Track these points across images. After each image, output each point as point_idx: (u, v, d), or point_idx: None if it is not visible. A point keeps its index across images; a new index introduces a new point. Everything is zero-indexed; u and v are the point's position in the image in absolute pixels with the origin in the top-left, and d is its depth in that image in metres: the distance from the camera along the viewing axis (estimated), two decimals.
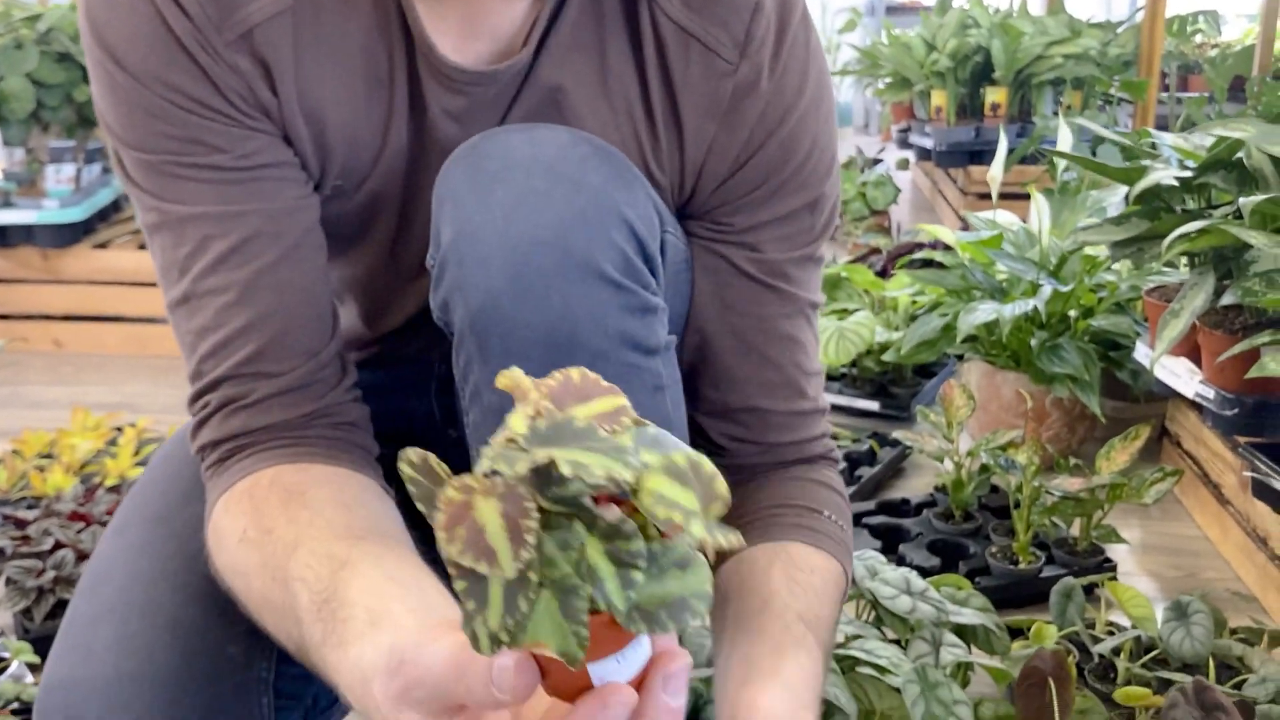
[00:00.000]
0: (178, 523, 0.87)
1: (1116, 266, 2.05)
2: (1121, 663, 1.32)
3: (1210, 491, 1.81)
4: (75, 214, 2.65)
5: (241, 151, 0.78)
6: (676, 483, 0.38)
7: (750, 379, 0.88)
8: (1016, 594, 1.59)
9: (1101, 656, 1.35)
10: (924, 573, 1.48)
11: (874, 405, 2.28)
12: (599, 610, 0.39)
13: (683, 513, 0.38)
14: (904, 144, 4.12)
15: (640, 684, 0.43)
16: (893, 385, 2.31)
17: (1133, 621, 1.37)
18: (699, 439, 0.92)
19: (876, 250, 3.09)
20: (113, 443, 2.00)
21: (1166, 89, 3.87)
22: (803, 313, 0.89)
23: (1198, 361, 1.58)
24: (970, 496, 1.75)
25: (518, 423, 0.39)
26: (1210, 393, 1.50)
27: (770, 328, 0.87)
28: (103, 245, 2.78)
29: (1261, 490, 1.33)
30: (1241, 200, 1.27)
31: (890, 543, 1.72)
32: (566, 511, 0.39)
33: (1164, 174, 1.47)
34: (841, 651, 1.24)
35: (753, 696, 0.67)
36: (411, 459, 0.41)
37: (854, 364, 2.32)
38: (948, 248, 2.31)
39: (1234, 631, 1.39)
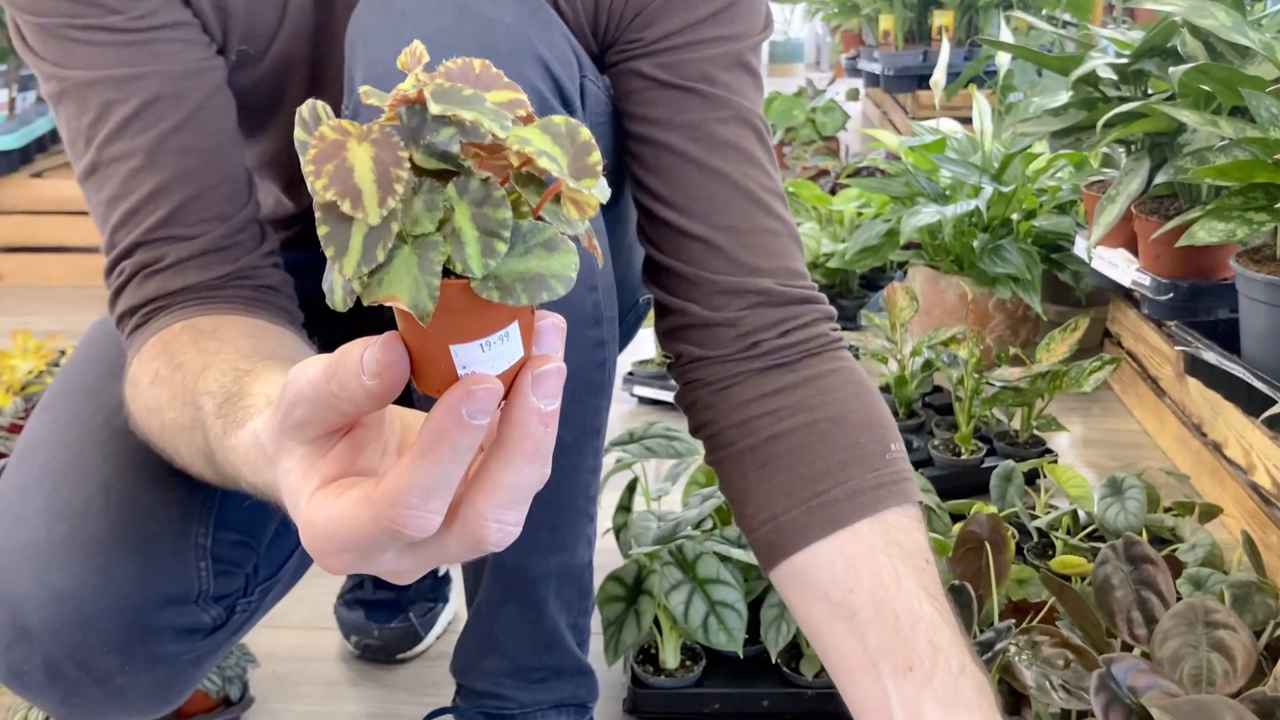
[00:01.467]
0: (106, 395, 0.85)
1: (1061, 174, 2.07)
2: (1059, 537, 1.35)
3: (1149, 386, 1.84)
4: (10, 141, 2.60)
5: (137, 12, 0.76)
6: (548, 136, 0.38)
7: (698, 196, 0.82)
8: (959, 484, 1.61)
9: (1040, 533, 1.37)
10: None
11: None
12: (457, 275, 0.39)
13: (548, 158, 0.38)
14: (853, 71, 4.11)
15: (510, 386, 0.43)
16: (840, 298, 2.32)
17: (1071, 500, 1.40)
18: (673, 337, 0.85)
19: (825, 172, 3.10)
20: (55, 364, 1.98)
21: (1114, 14, 3.88)
22: (745, 122, 0.82)
23: (1135, 251, 1.60)
24: (914, 393, 1.77)
25: (406, 83, 0.38)
26: (1146, 279, 1.53)
27: (705, 135, 0.81)
28: (39, 175, 2.73)
29: (1193, 366, 1.35)
30: (1171, 70, 1.28)
31: None
32: (439, 169, 0.39)
33: (1099, 61, 1.49)
34: None
35: None
36: (303, 110, 0.40)
37: None
38: (896, 158, 2.32)
39: (1168, 509, 1.42)
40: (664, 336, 0.86)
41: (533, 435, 0.43)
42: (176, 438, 0.68)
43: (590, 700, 0.97)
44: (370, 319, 0.69)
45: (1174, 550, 1.28)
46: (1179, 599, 1.05)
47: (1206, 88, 1.32)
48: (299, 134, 0.40)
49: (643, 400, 2.02)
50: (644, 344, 2.12)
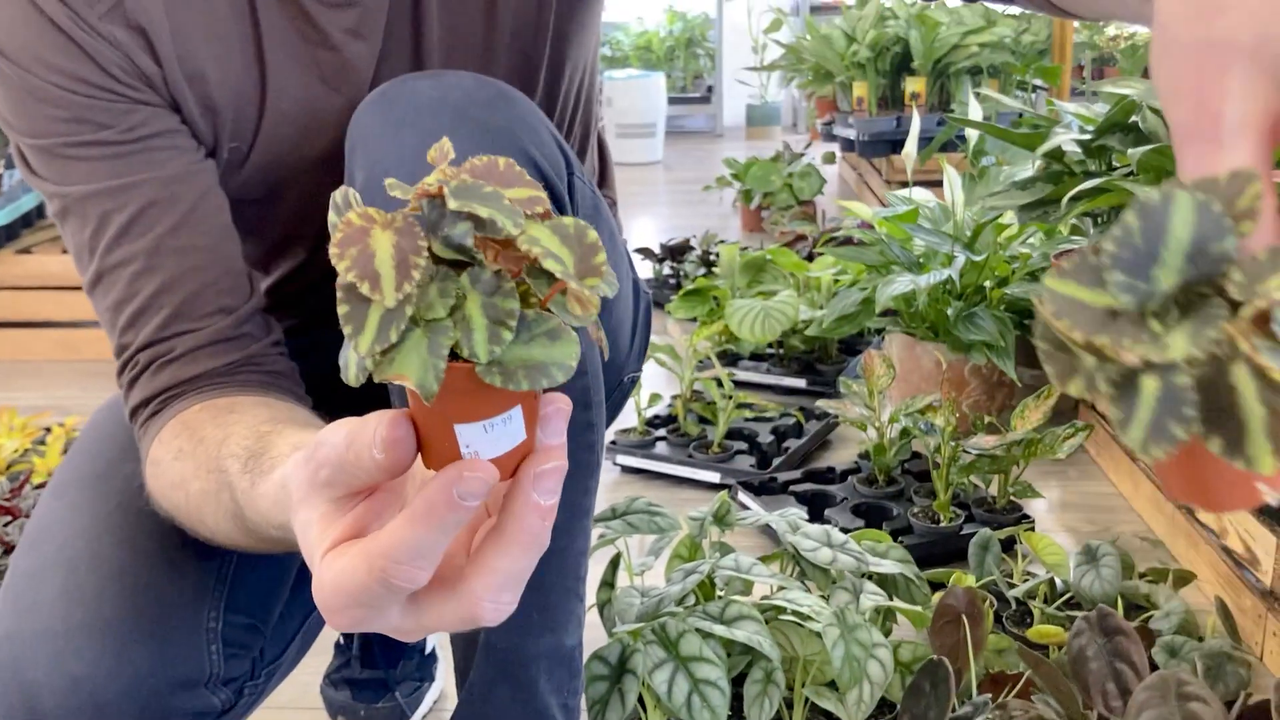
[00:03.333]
0: (117, 479, 0.87)
1: (1032, 240, 2.11)
2: (1036, 606, 1.37)
3: (1122, 448, 1.87)
4: None
5: (126, 124, 0.80)
6: (557, 237, 0.41)
7: None
8: (938, 551, 1.63)
9: (1018, 601, 1.39)
10: (849, 534, 1.53)
11: (801, 383, 2.33)
12: (464, 359, 0.41)
13: (554, 259, 0.40)
14: (829, 137, 4.19)
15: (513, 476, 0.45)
16: (819, 363, 2.36)
17: (1047, 568, 1.42)
18: None
19: (803, 237, 3.14)
20: (41, 441, 1.99)
21: (1084, 80, 3.97)
22: None
23: None
24: (893, 460, 1.80)
25: (431, 178, 0.41)
26: None
27: None
28: (26, 250, 2.75)
29: None
30: (1130, 151, 1.33)
31: (817, 509, 1.76)
32: (455, 261, 0.41)
33: (1064, 137, 1.53)
34: (766, 601, 1.28)
35: None
36: (336, 195, 0.43)
37: (780, 344, 2.37)
38: (871, 228, 2.36)
39: (1143, 575, 1.45)
40: None
41: (531, 528, 0.45)
42: (203, 506, 0.70)
43: None
44: (375, 401, 0.72)
45: (1149, 618, 1.30)
46: (1153, 669, 1.07)
47: (1166, 168, 1.37)
48: (331, 217, 0.42)
49: (625, 469, 2.04)
50: (627, 414, 2.14)
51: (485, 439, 0.44)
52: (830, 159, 4.59)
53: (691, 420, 2.10)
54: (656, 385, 2.26)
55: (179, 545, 0.81)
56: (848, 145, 3.85)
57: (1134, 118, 1.52)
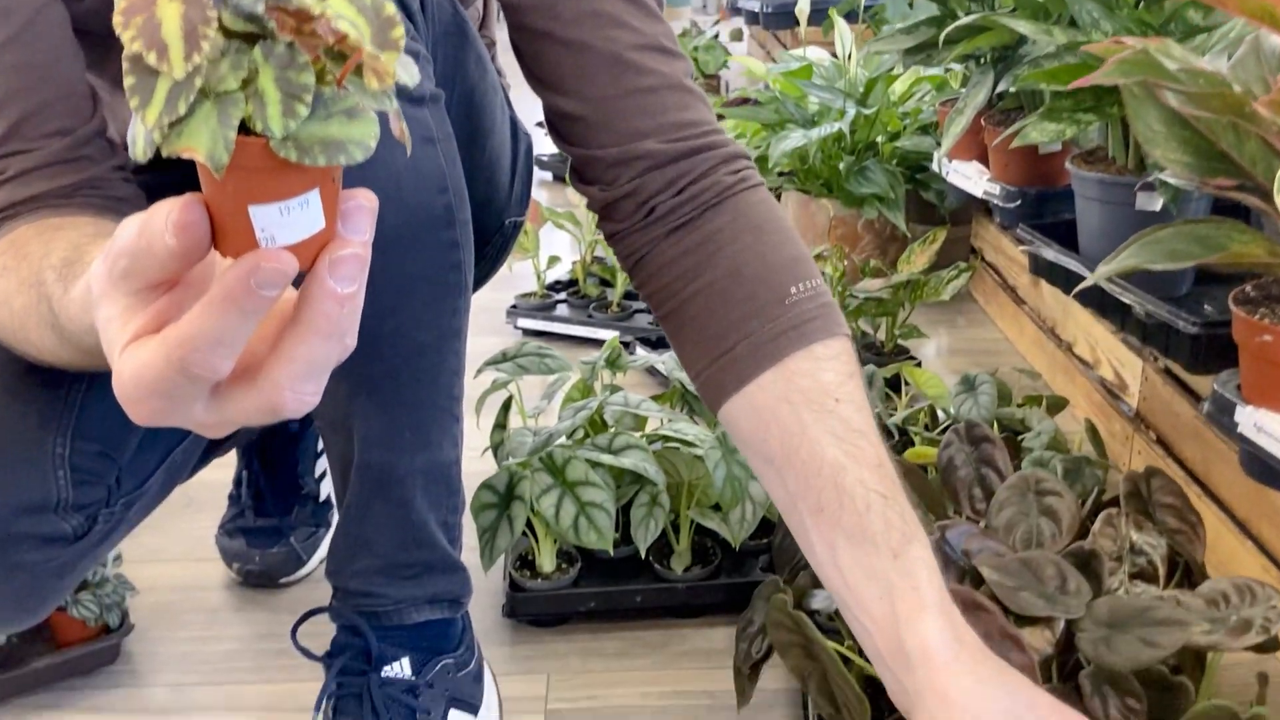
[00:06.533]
0: None
1: (925, 98, 2.13)
2: (916, 433, 1.41)
3: (1008, 295, 1.92)
4: None
5: None
6: (353, 6, 0.41)
7: (566, 74, 0.82)
8: None
9: (899, 430, 1.44)
10: None
11: None
12: (256, 133, 0.41)
13: (348, 23, 0.40)
14: (734, 10, 4.15)
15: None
16: None
17: (929, 400, 1.47)
18: (601, 219, 0.87)
19: None
20: None
21: None
22: None
23: (987, 163, 1.67)
24: None
25: None
26: (996, 189, 1.59)
27: (560, 9, 0.81)
28: None
29: (1036, 265, 1.43)
30: None
31: None
32: (247, 32, 0.41)
33: None
34: (653, 433, 1.30)
35: (920, 641, 0.72)
36: None
37: None
38: (769, 88, 2.36)
39: (1020, 405, 1.50)
40: (600, 224, 0.88)
41: (328, 314, 0.44)
42: (26, 322, 0.69)
43: (463, 595, 1.00)
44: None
45: (1022, 439, 1.35)
46: None
47: (1046, 6, 1.38)
48: None
49: (527, 332, 2.05)
50: (527, 279, 2.14)
51: (281, 223, 0.43)
52: (738, 35, 4.56)
53: (592, 283, 2.11)
54: (559, 252, 2.25)
55: (21, 374, 0.80)
56: (753, 19, 3.82)
57: None
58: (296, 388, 0.46)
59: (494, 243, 1.17)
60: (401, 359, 0.87)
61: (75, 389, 0.85)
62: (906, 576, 0.73)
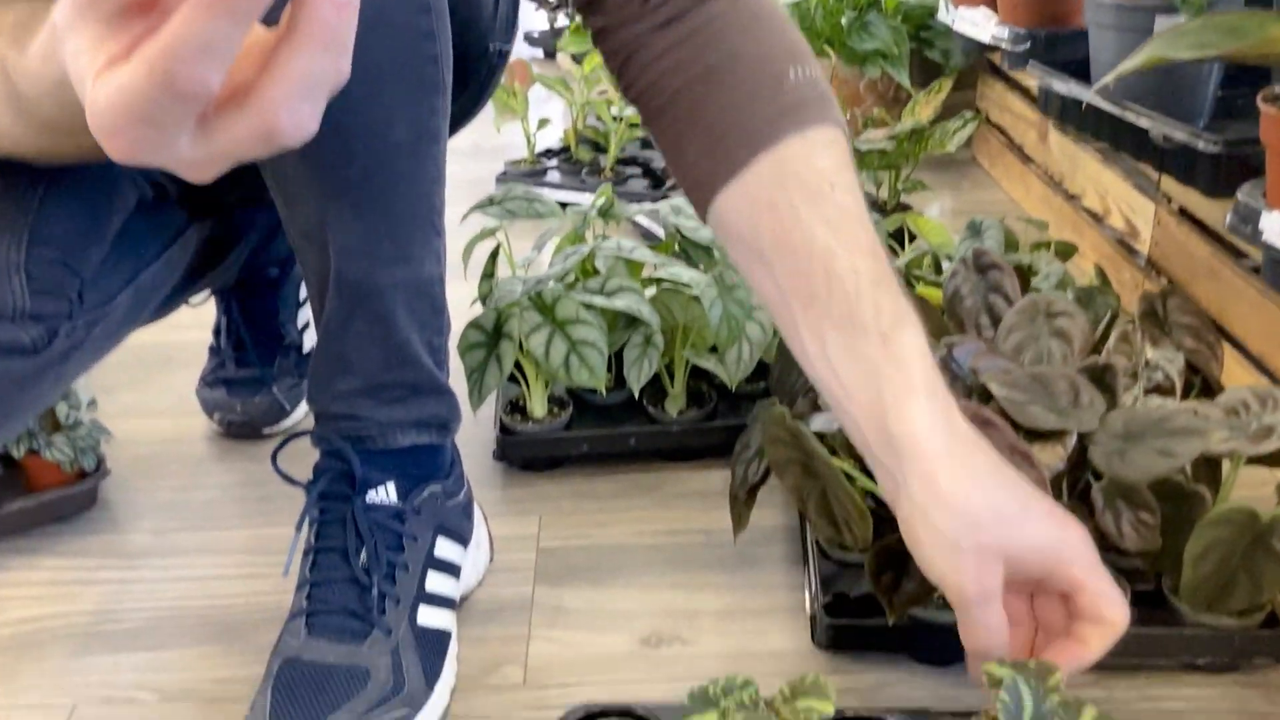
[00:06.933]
0: None
1: None
2: (918, 275, 1.36)
3: (1015, 155, 1.86)
4: None
5: None
6: None
7: None
8: None
9: (901, 273, 1.39)
10: None
11: None
12: None
13: None
14: None
15: None
16: None
17: (932, 248, 1.42)
18: (589, 14, 0.82)
19: None
20: None
21: None
22: None
23: (995, 8, 1.60)
24: None
25: None
26: (1005, 32, 1.53)
27: None
28: None
29: (1048, 103, 1.37)
30: None
31: None
32: None
33: None
34: (648, 277, 1.26)
35: (909, 428, 0.69)
36: None
37: None
38: None
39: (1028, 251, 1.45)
40: (585, 20, 0.83)
41: (325, 20, 0.40)
42: None
43: (452, 420, 0.95)
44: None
45: (1030, 280, 1.30)
46: None
47: None
48: None
49: None
50: (518, 146, 2.08)
51: None
52: None
53: (584, 148, 2.04)
54: (551, 116, 2.18)
55: None
56: None
57: None
58: (293, 107, 0.41)
59: (480, 71, 1.11)
60: (376, 160, 0.82)
61: (32, 192, 0.81)
62: (894, 361, 0.70)
